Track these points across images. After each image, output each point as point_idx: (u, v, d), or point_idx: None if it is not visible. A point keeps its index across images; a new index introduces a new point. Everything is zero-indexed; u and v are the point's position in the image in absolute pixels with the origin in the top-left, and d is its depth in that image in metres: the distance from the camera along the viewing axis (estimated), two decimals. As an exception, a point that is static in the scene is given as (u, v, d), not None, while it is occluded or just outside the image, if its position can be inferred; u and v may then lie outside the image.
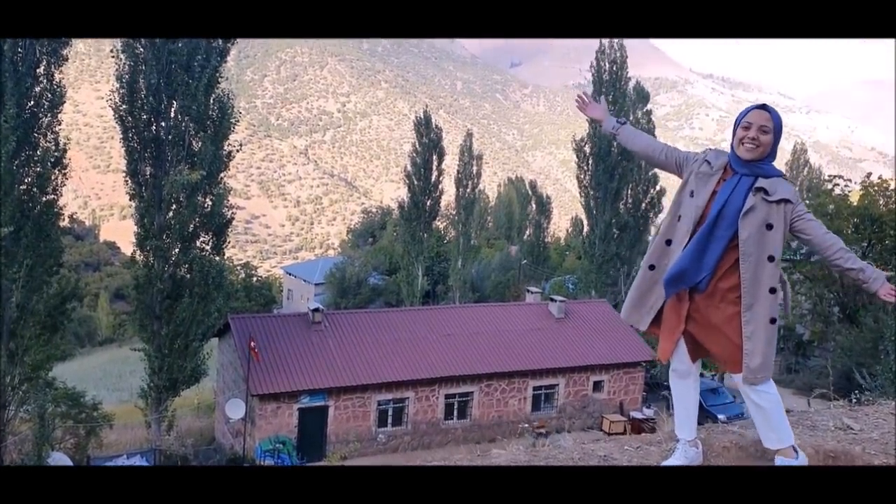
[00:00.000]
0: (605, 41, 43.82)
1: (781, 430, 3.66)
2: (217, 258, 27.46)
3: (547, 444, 4.46)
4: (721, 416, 29.29)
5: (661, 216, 61.06)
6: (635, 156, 3.93)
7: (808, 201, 39.72)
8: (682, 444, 3.87)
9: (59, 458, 22.81)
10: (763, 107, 3.58)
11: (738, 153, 3.58)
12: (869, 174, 37.05)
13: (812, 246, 3.61)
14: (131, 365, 37.93)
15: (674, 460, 3.86)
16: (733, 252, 3.54)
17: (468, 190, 50.47)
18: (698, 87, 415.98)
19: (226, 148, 26.86)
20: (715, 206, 3.56)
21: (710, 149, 3.85)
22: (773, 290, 3.52)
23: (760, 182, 3.54)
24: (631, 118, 42.93)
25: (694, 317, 3.66)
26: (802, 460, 3.66)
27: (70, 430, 25.76)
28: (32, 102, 23.01)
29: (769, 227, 3.51)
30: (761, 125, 3.54)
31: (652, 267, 3.77)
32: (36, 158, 23.30)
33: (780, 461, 3.66)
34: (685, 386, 3.86)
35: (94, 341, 68.01)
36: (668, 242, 3.73)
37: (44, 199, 23.67)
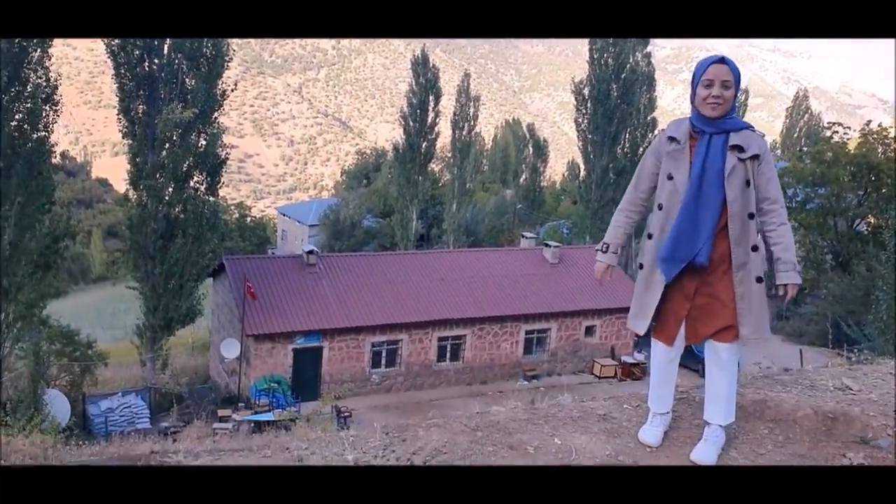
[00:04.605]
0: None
1: (731, 404, 3.62)
2: (211, 198, 27.28)
3: (545, 401, 4.45)
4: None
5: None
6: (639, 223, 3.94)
7: (806, 148, 39.50)
8: (658, 415, 3.79)
9: (54, 396, 23.00)
10: (721, 60, 3.44)
11: (704, 112, 3.45)
12: (868, 122, 36.78)
13: (758, 203, 3.48)
14: (126, 303, 38.00)
15: (652, 429, 3.76)
16: (720, 216, 3.45)
17: (464, 132, 49.85)
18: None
19: (219, 86, 26.41)
20: (695, 173, 3.44)
21: (670, 123, 3.69)
22: (755, 248, 3.48)
23: (733, 139, 3.44)
24: (630, 61, 42.29)
25: (695, 294, 3.54)
26: (713, 455, 3.52)
27: (65, 368, 25.92)
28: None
29: (747, 183, 3.45)
30: (723, 80, 3.41)
31: (641, 266, 3.67)
32: (26, 94, 22.84)
33: (710, 435, 3.58)
34: (672, 368, 3.77)
35: (88, 279, 67.98)
36: (650, 237, 3.62)
37: (35, 135, 23.27)
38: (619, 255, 3.77)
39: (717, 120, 3.45)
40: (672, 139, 3.56)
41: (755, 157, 3.44)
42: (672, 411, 3.88)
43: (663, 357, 3.75)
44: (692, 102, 3.53)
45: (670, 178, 3.53)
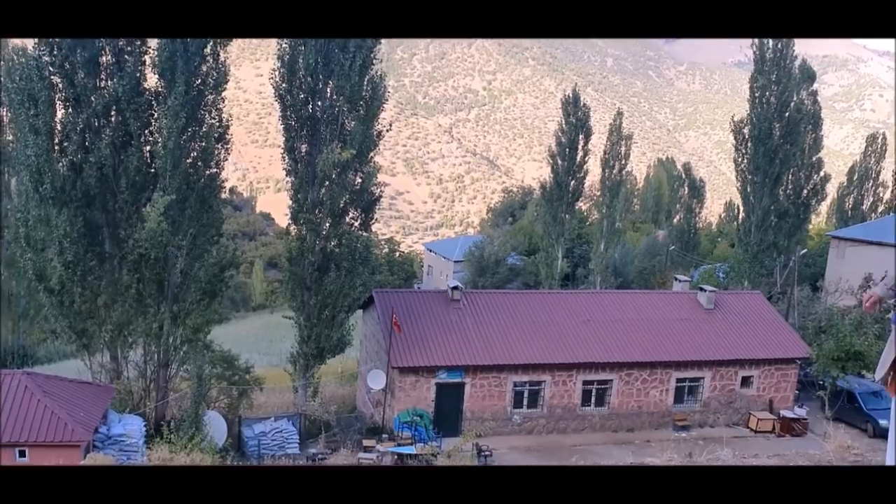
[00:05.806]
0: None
1: None
2: (364, 233, 28.25)
3: (703, 455, 4.16)
4: (883, 422, 27.12)
5: (825, 204, 56.03)
6: None
7: None
8: None
9: (213, 417, 24.33)
10: None
11: None
12: None
13: None
14: (281, 331, 39.86)
15: None
16: None
17: (615, 171, 49.07)
18: (872, 65, 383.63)
19: (375, 127, 27.44)
20: None
21: None
22: None
23: None
24: (794, 99, 40.17)
25: None
26: None
27: (224, 391, 27.40)
28: (199, 80, 24.41)
29: None
30: None
31: None
32: (201, 134, 24.75)
33: None
34: None
35: (248, 306, 72.18)
36: None
37: (207, 172, 25.17)
38: None
39: None
40: None
41: None
42: None
43: None
44: None
45: None
